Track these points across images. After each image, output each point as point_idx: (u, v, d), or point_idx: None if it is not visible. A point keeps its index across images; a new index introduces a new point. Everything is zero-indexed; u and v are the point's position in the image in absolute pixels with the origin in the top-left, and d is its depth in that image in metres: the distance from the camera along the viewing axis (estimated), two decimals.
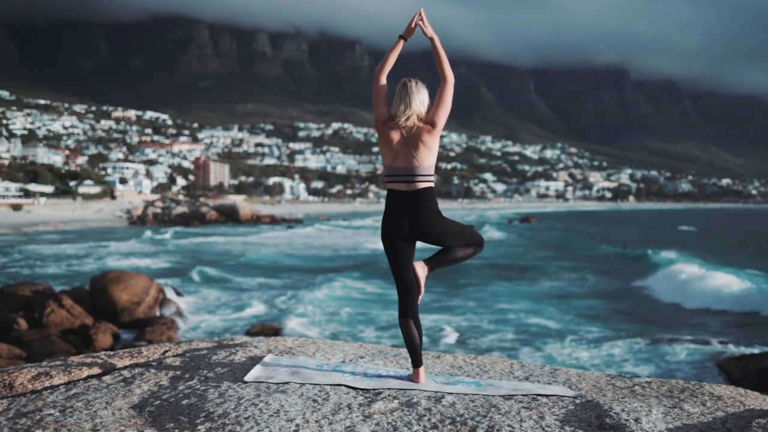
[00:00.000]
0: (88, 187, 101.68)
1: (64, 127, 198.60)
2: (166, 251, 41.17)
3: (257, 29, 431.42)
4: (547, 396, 3.08)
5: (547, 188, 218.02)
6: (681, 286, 25.13)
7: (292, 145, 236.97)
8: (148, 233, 59.23)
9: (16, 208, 77.11)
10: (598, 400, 2.96)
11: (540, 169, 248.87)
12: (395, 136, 3.32)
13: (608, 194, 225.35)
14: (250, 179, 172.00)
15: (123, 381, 3.31)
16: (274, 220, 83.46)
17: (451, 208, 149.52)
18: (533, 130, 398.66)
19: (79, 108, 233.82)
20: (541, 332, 17.80)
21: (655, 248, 39.86)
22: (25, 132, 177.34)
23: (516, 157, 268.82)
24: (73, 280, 26.50)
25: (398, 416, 2.74)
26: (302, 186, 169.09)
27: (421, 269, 3.38)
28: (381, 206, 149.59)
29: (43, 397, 3.06)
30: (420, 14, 3.36)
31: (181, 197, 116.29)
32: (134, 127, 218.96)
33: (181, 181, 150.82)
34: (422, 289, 3.37)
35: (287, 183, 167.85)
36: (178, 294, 22.66)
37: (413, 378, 3.33)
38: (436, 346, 16.14)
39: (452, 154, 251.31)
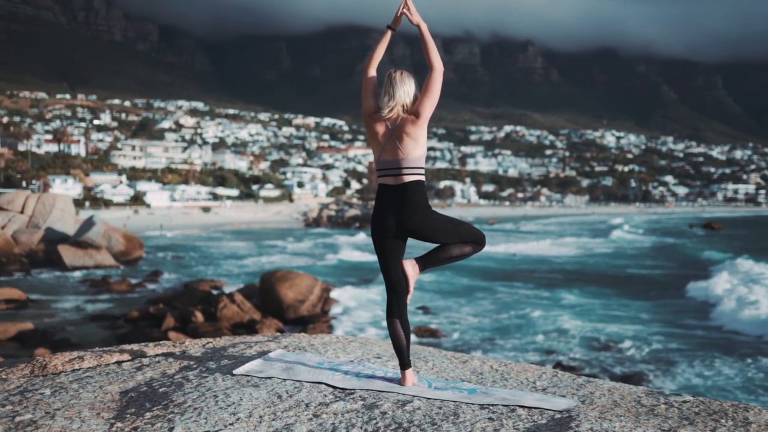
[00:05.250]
0: (269, 191, 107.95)
1: (250, 135, 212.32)
2: (335, 252, 42.60)
3: None
4: (528, 408, 2.82)
5: (736, 191, 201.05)
6: None
7: (463, 148, 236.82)
8: (319, 234, 61.90)
9: (206, 210, 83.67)
10: (579, 417, 2.64)
11: (728, 171, 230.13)
12: (380, 128, 3.22)
13: None
14: None
15: (137, 368, 3.45)
16: None
17: (627, 212, 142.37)
18: (721, 129, 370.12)
19: (263, 116, 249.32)
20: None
21: None
22: (216, 140, 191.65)
23: (700, 159, 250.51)
24: (247, 278, 28.27)
25: (348, 417, 2.63)
26: (473, 189, 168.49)
27: (411, 268, 3.23)
28: (553, 210, 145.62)
29: (55, 378, 3.26)
30: (405, 3, 3.27)
31: (354, 200, 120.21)
32: (313, 134, 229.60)
33: (355, 185, 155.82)
34: (411, 289, 3.22)
35: (458, 186, 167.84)
36: (343, 294, 23.42)
37: (401, 381, 3.19)
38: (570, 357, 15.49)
39: (630, 155, 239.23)
